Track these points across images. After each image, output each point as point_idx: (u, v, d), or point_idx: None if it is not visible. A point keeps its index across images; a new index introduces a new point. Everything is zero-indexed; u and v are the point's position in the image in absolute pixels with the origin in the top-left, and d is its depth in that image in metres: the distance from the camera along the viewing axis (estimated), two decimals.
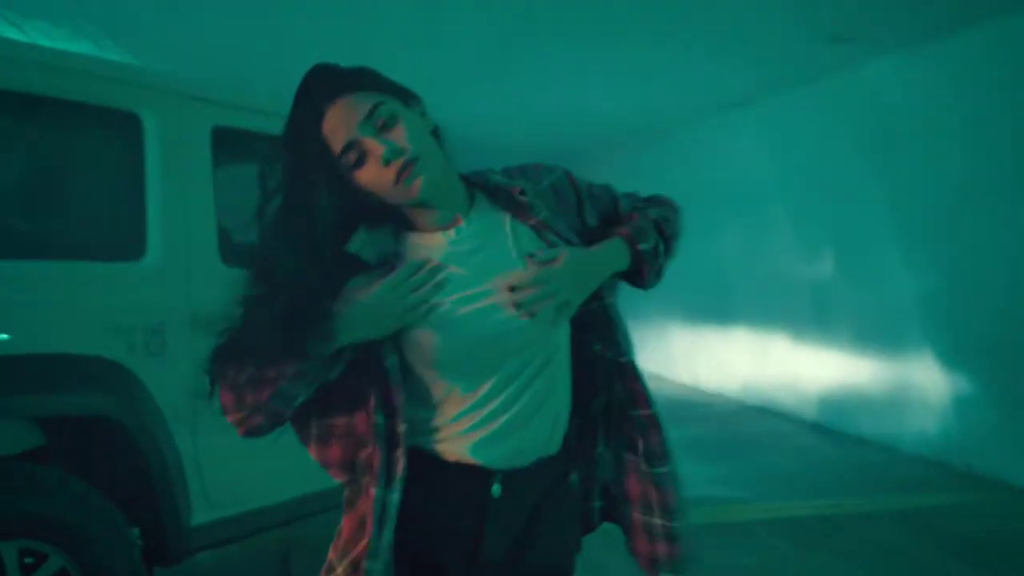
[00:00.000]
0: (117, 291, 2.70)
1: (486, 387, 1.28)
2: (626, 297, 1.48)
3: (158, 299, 2.75)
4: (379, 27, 5.24)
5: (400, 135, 1.20)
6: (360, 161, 1.20)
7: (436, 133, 1.30)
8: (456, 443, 1.29)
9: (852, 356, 6.48)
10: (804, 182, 6.93)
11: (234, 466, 2.92)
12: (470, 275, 1.28)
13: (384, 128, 1.20)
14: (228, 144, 3.00)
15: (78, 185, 2.84)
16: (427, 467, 1.29)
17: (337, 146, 1.19)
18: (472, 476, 1.30)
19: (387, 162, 1.19)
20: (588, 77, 6.75)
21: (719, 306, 8.38)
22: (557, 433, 1.38)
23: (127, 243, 2.76)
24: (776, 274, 7.39)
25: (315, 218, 1.19)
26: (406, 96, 1.28)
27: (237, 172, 3.30)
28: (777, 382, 7.46)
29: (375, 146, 1.19)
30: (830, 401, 6.75)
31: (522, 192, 1.32)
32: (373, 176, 1.21)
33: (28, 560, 2.38)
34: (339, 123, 1.19)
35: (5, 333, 2.42)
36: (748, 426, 7.03)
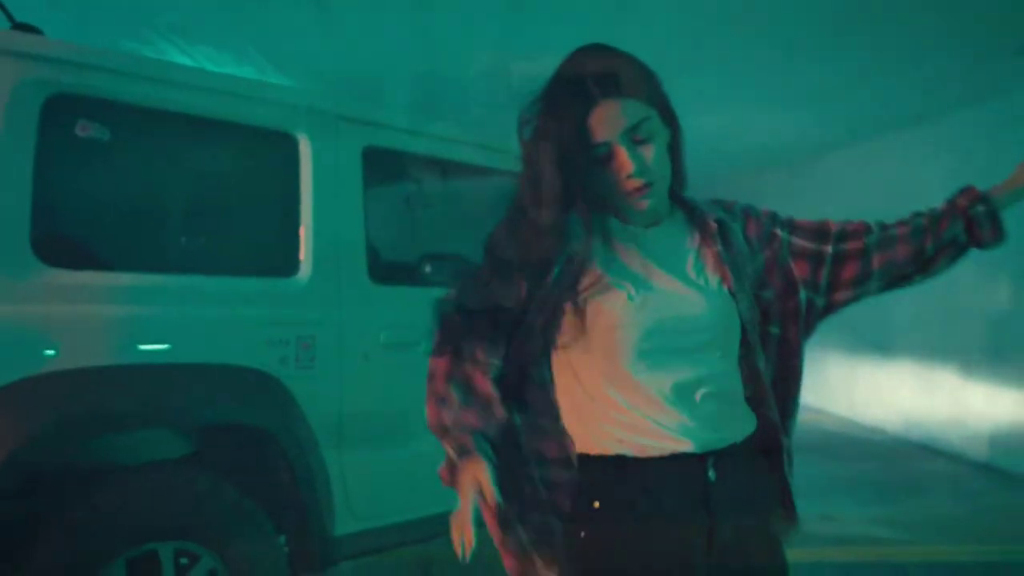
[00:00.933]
0: (270, 306, 2.77)
1: (677, 374, 1.28)
2: None
3: (309, 315, 2.82)
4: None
5: (650, 156, 1.27)
6: (606, 159, 1.27)
7: (673, 146, 1.34)
8: (662, 434, 1.27)
9: None
10: None
11: (377, 480, 3.00)
12: (657, 265, 1.33)
13: (640, 143, 1.26)
14: (378, 163, 3.05)
15: (236, 203, 2.91)
16: (636, 467, 1.28)
17: (595, 138, 1.25)
18: (685, 464, 1.28)
19: (629, 176, 1.26)
20: (746, 97, 6.59)
21: (880, 334, 7.92)
22: (746, 413, 1.38)
23: (280, 260, 2.85)
24: (943, 301, 6.90)
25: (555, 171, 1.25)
26: (669, 115, 1.33)
27: (387, 191, 3.36)
28: (943, 418, 6.99)
29: (626, 159, 1.26)
30: (1003, 441, 6.27)
31: (717, 221, 1.38)
32: (610, 177, 1.28)
33: (183, 560, 2.49)
34: (604, 121, 1.24)
35: (166, 344, 2.51)
36: (910, 464, 6.62)
